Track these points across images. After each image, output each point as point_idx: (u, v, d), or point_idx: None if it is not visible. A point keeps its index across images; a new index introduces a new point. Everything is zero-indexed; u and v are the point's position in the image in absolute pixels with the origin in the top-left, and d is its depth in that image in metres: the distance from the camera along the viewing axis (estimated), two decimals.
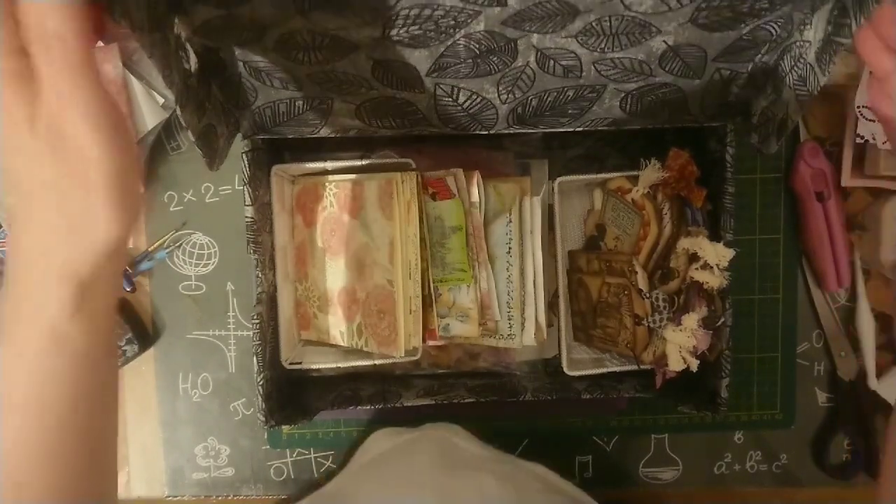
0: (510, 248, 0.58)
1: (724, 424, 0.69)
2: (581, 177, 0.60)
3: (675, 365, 0.56)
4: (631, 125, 0.55)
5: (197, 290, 0.66)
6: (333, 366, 0.62)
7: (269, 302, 0.57)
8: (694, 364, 0.55)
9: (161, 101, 0.62)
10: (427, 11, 0.41)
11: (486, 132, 0.54)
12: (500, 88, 0.50)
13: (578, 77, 0.48)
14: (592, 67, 0.47)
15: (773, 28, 0.44)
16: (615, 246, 0.61)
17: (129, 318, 0.65)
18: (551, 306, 0.63)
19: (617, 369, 0.61)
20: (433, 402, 0.59)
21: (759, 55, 0.47)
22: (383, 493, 0.49)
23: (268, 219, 0.58)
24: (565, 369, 0.61)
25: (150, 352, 0.67)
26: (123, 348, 0.64)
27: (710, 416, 0.56)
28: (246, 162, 0.53)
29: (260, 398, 0.54)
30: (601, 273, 0.60)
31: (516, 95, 0.50)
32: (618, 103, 0.52)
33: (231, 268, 0.66)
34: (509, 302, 0.59)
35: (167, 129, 0.65)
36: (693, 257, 0.55)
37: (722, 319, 0.55)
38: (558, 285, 0.63)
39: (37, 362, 0.33)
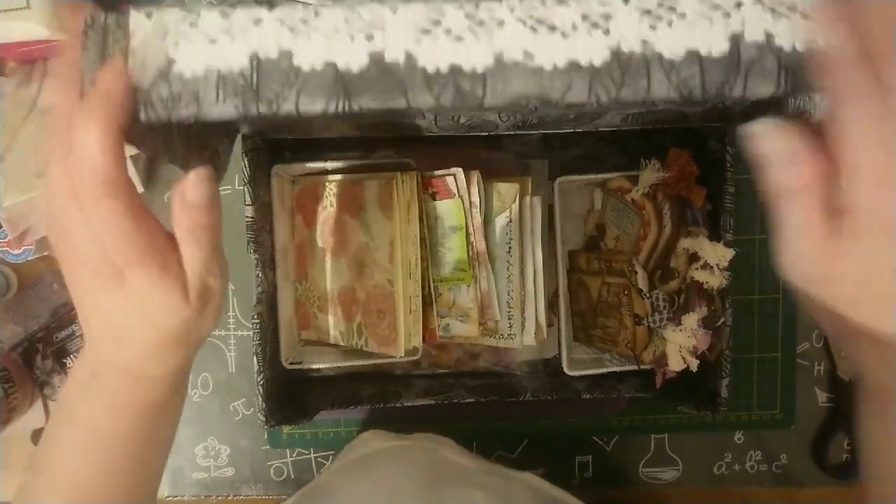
0: (510, 248, 0.58)
1: (724, 424, 0.69)
2: (581, 177, 0.60)
3: (675, 365, 0.56)
4: (632, 127, 0.55)
5: None
6: (333, 365, 0.62)
7: (269, 302, 0.57)
8: (694, 364, 0.55)
9: None
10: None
11: (486, 133, 0.55)
12: (502, 115, 0.50)
13: (581, 107, 0.49)
14: (595, 104, 0.49)
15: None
16: (615, 246, 0.61)
17: None
18: (551, 306, 0.63)
19: (617, 369, 0.61)
20: (433, 401, 0.59)
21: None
22: (370, 498, 0.49)
23: (268, 219, 0.58)
24: (565, 369, 0.61)
25: None
26: None
27: (710, 415, 0.56)
28: (246, 162, 0.53)
29: (260, 398, 0.54)
30: (601, 273, 0.60)
31: (517, 118, 0.51)
32: (619, 120, 0.53)
33: (231, 268, 0.66)
34: (509, 302, 0.59)
35: None
36: (693, 257, 0.55)
37: (722, 319, 0.55)
38: (558, 285, 0.63)
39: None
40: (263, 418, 0.54)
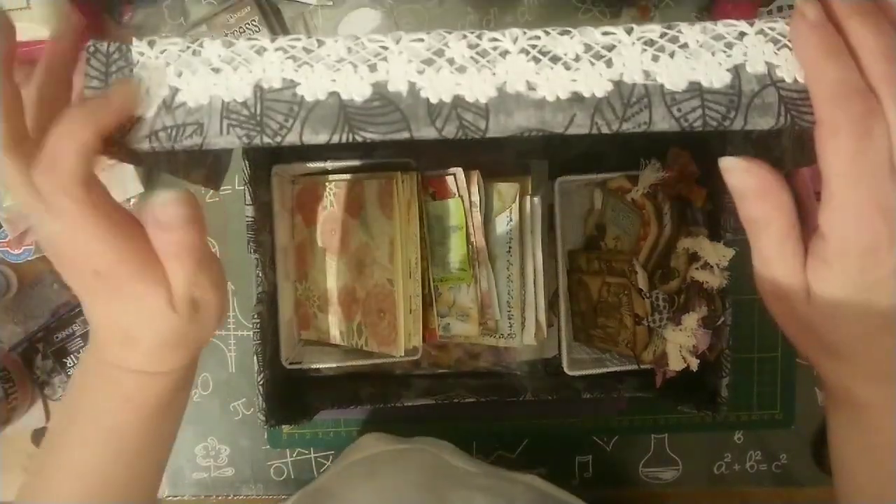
0: (510, 248, 0.58)
1: (724, 424, 0.69)
2: (581, 177, 0.60)
3: (675, 364, 0.56)
4: None
5: None
6: (333, 365, 0.62)
7: (269, 302, 0.57)
8: (694, 363, 0.55)
9: None
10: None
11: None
12: None
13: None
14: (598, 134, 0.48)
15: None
16: (615, 246, 0.61)
17: None
18: (551, 306, 0.63)
19: (617, 369, 0.61)
20: (433, 401, 0.59)
21: None
22: (372, 501, 0.49)
23: (268, 218, 0.58)
24: (565, 369, 0.61)
25: None
26: None
27: (710, 415, 0.56)
28: (246, 162, 0.53)
29: (260, 398, 0.54)
30: (601, 273, 0.60)
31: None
32: None
33: (231, 268, 0.66)
34: (509, 301, 0.59)
35: None
36: (693, 257, 0.55)
37: (722, 319, 0.55)
38: (558, 285, 0.63)
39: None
40: (263, 418, 0.54)
